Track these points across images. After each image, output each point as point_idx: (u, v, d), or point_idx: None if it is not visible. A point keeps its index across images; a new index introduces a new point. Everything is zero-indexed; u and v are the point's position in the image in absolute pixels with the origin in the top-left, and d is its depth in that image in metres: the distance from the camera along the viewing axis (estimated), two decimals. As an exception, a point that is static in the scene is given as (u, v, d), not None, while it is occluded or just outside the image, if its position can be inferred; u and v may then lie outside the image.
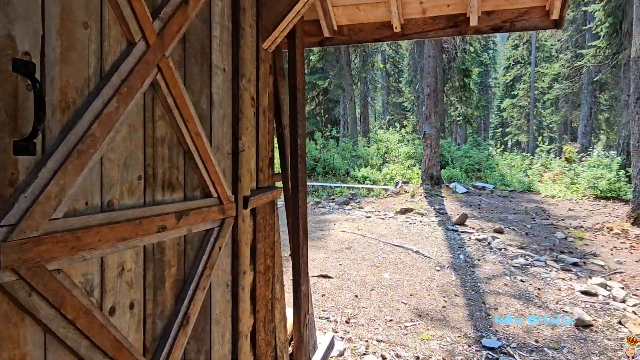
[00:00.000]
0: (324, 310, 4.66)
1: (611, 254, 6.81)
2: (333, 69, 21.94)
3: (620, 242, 7.56)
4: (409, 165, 15.54)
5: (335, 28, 3.74)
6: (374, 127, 18.65)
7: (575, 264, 6.22)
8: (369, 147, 19.36)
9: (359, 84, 30.65)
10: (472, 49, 25.32)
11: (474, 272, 5.89)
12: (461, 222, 8.10)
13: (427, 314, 4.54)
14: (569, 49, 23.43)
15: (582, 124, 21.56)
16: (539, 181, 16.32)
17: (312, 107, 31.65)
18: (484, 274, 5.81)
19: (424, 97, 11.43)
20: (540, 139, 19.34)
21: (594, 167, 14.06)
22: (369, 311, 4.63)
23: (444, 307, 4.74)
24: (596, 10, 15.88)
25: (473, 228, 7.87)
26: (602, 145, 41.95)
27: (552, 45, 35.86)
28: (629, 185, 12.21)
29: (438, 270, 5.95)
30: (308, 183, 14.00)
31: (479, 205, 10.45)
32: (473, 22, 3.25)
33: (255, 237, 2.23)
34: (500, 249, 6.62)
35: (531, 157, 19.35)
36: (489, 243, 6.87)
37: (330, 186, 13.50)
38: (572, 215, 9.84)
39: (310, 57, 21.06)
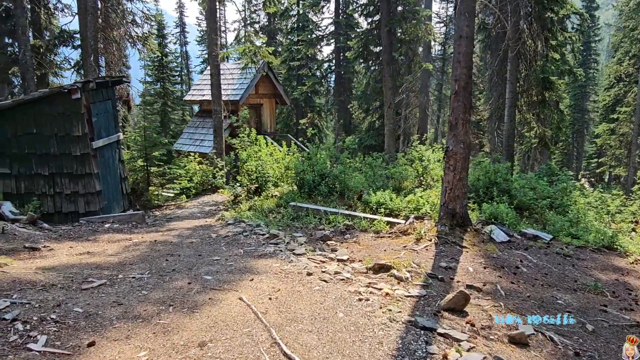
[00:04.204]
0: None
1: None
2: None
3: None
4: (444, 192, 11.71)
5: None
6: (413, 141, 15.01)
7: None
8: (410, 165, 15.74)
9: (418, 91, 26.89)
10: (557, 57, 20.61)
11: None
12: (454, 307, 4.46)
13: None
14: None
15: None
16: (632, 230, 11.65)
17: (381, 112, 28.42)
18: None
19: (451, 96, 7.81)
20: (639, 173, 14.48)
21: None
22: None
23: None
24: None
25: (471, 325, 4.20)
26: None
27: (668, 60, 29.33)
28: None
29: None
30: (300, 204, 10.83)
31: (517, 268, 6.58)
32: None
33: None
34: (498, 405, 2.98)
35: (624, 196, 14.47)
36: (479, 380, 3.24)
37: (325, 211, 10.23)
38: (681, 308, 5.67)
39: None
